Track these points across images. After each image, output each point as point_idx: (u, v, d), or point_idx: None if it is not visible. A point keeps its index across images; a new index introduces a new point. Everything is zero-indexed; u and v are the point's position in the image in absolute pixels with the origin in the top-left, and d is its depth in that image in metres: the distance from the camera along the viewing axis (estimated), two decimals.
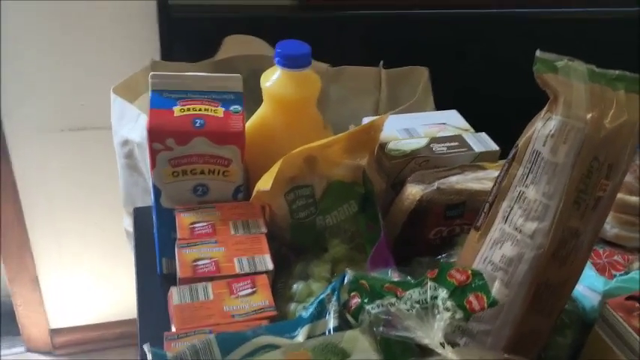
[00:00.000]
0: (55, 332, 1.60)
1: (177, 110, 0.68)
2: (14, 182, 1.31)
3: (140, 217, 0.88)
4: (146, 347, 0.50)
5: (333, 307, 0.55)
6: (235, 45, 1.10)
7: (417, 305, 0.52)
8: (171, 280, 0.77)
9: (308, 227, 0.70)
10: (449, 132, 0.81)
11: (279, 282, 0.68)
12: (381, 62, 1.08)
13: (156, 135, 0.66)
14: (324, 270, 0.67)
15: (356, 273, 0.56)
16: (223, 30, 1.12)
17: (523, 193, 0.55)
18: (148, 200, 0.97)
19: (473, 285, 0.50)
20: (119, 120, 0.93)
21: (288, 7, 1.19)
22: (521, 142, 0.56)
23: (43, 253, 1.45)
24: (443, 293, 0.51)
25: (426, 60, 1.12)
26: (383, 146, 0.77)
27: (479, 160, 0.77)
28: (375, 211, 0.70)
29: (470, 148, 0.77)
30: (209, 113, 0.68)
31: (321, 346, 0.49)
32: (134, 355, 1.69)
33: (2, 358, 1.63)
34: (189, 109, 0.68)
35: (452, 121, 0.84)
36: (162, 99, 0.68)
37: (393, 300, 0.53)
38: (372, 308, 0.54)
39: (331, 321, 0.55)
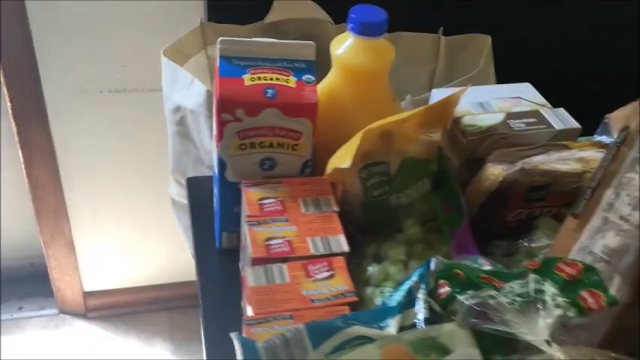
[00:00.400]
0: (88, 295, 1.59)
1: (247, 79, 0.63)
2: (52, 145, 1.28)
3: (193, 187, 0.85)
4: (233, 336, 0.47)
5: (422, 297, 0.52)
6: (286, 7, 1.05)
7: (519, 299, 0.49)
8: (229, 254, 0.75)
9: (381, 206, 0.66)
10: (524, 107, 0.77)
11: (352, 263, 0.64)
12: (441, 29, 1.03)
13: (226, 105, 0.62)
14: (400, 252, 0.63)
15: (447, 261, 0.53)
16: None
17: (632, 179, 0.51)
18: (199, 169, 0.94)
19: (586, 280, 0.47)
20: (171, 85, 0.89)
21: None
22: (632, 124, 0.51)
23: (79, 217, 1.43)
24: (552, 288, 0.47)
25: (480, 26, 1.07)
26: (457, 121, 0.72)
27: (558, 138, 0.72)
28: (451, 190, 0.67)
29: (549, 125, 0.72)
30: (281, 83, 0.64)
31: (418, 341, 0.46)
32: (165, 320, 1.69)
33: (35, 318, 1.63)
34: (259, 78, 0.64)
35: (526, 95, 0.79)
36: (231, 66, 0.64)
37: (493, 292, 0.49)
38: (466, 299, 0.51)
39: (421, 311, 0.51)
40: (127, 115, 1.28)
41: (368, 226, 0.67)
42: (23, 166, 1.31)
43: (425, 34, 1.03)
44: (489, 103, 0.77)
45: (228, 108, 0.62)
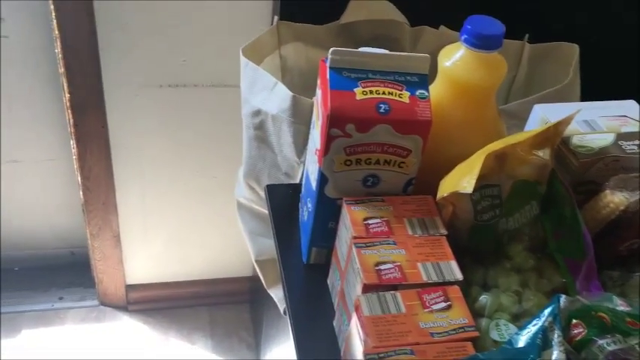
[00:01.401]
0: (130, 288, 1.58)
1: (359, 92, 0.60)
2: (107, 138, 1.25)
3: (274, 196, 0.81)
4: None
5: (557, 339, 0.49)
6: (362, 7, 1.01)
7: None
8: (316, 270, 0.72)
9: (489, 231, 0.63)
10: (632, 126, 0.73)
11: None
12: (527, 35, 0.98)
13: (337, 120, 0.59)
14: (513, 282, 0.60)
15: (588, 302, 0.49)
16: None
17: None
18: (275, 175, 0.91)
19: None
20: (250, 87, 0.85)
21: None
22: None
23: (128, 211, 1.41)
24: None
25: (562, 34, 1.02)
26: (566, 141, 0.68)
27: None
28: (564, 216, 0.63)
29: None
30: (394, 97, 0.60)
31: None
32: (205, 315, 1.67)
33: (75, 309, 1.61)
34: (372, 92, 0.60)
35: (632, 113, 0.75)
36: (342, 78, 0.60)
37: None
38: (607, 344, 0.48)
39: (557, 355, 0.48)
40: (184, 110, 1.24)
41: (471, 251, 0.64)
42: (76, 157, 1.28)
43: (509, 40, 0.98)
44: (596, 121, 0.73)
45: (339, 123, 0.59)
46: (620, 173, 0.65)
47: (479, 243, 0.63)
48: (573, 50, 0.95)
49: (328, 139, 0.60)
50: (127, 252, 1.49)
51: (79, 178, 1.32)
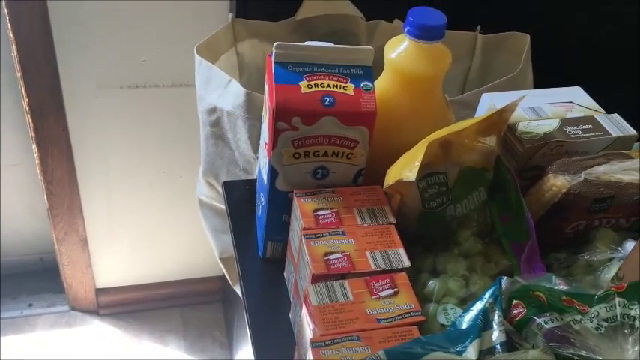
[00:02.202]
0: (100, 292, 1.57)
1: (304, 86, 0.61)
2: (69, 140, 1.24)
3: (230, 191, 0.82)
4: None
5: (497, 319, 0.50)
6: (316, 3, 1.01)
7: (605, 324, 0.47)
8: (273, 264, 0.73)
9: (437, 218, 0.64)
10: (578, 112, 0.74)
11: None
12: (479, 27, 1.00)
13: (282, 113, 0.59)
14: (460, 267, 0.61)
15: (524, 281, 0.51)
16: None
17: None
18: (233, 172, 0.91)
19: None
20: (205, 85, 0.86)
21: None
22: None
23: (93, 214, 1.40)
24: None
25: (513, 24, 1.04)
26: (512, 128, 0.70)
27: (615, 146, 0.70)
28: (510, 201, 0.64)
29: (606, 132, 0.70)
30: (339, 90, 0.61)
31: None
32: (177, 316, 1.67)
33: (45, 315, 1.60)
34: (317, 85, 0.61)
35: (578, 100, 0.76)
36: (286, 72, 0.61)
37: (577, 317, 0.47)
38: (545, 322, 0.49)
39: (498, 334, 0.49)
40: (146, 110, 1.24)
41: (420, 238, 0.65)
42: (38, 161, 1.27)
43: (461, 32, 1.00)
44: (542, 108, 0.74)
45: (285, 116, 0.59)
46: (564, 158, 0.67)
47: (428, 230, 0.64)
48: (525, 40, 0.97)
49: (275, 133, 0.61)
50: (95, 255, 1.49)
51: (43, 183, 1.31)
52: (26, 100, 1.17)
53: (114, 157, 1.30)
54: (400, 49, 0.66)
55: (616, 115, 0.74)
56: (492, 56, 1.02)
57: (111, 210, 1.40)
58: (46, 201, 1.34)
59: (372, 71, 0.63)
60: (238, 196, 0.82)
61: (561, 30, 1.11)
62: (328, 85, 0.61)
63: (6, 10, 1.06)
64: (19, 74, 1.14)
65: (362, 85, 0.62)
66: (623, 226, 0.68)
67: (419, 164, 0.57)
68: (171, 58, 1.18)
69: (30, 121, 1.21)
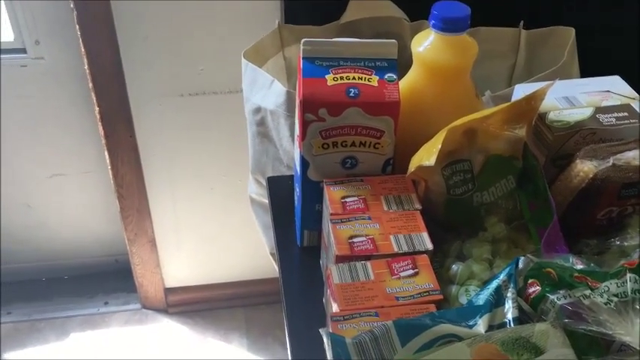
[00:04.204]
0: (169, 291, 1.65)
1: (329, 79, 0.64)
2: (136, 146, 1.33)
3: (273, 186, 0.86)
4: (323, 332, 0.48)
5: (511, 295, 0.51)
6: (361, 6, 1.05)
7: (615, 299, 0.47)
8: (311, 252, 0.76)
9: (464, 204, 0.66)
10: (614, 101, 0.74)
11: (435, 261, 0.64)
12: (522, 22, 1.00)
13: (309, 105, 0.63)
14: (485, 251, 0.62)
15: (538, 259, 0.51)
16: None
17: None
18: (279, 169, 0.96)
19: None
20: (251, 86, 0.91)
21: None
22: None
23: (161, 216, 1.48)
24: None
25: (563, 19, 1.03)
26: (543, 117, 0.70)
27: None
28: (539, 188, 0.65)
29: None
30: (363, 82, 0.64)
31: (510, 340, 0.45)
32: (241, 316, 1.73)
33: (119, 313, 1.70)
34: (342, 78, 0.64)
35: (616, 88, 0.76)
36: (314, 67, 0.65)
37: (587, 292, 0.48)
38: (558, 298, 0.50)
39: (510, 310, 0.50)
40: (205, 116, 1.31)
41: (450, 224, 0.67)
42: (110, 167, 1.37)
43: (504, 28, 1.01)
44: (576, 97, 0.74)
45: (312, 108, 0.63)
46: None
47: (455, 216, 0.66)
48: (569, 33, 0.97)
49: (304, 124, 0.64)
50: (163, 256, 1.57)
51: (114, 187, 1.41)
52: (97, 109, 1.26)
53: (177, 162, 1.38)
54: (426, 42, 0.68)
55: None
56: (538, 51, 1.01)
57: (176, 212, 1.48)
58: (118, 204, 1.44)
59: (396, 64, 0.66)
60: (281, 190, 0.86)
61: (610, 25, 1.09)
62: (353, 78, 0.64)
63: (77, 27, 1.16)
64: (90, 85, 1.24)
65: (386, 76, 0.65)
66: None
67: (437, 150, 0.59)
68: (227, 66, 1.24)
69: (101, 129, 1.30)
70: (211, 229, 1.54)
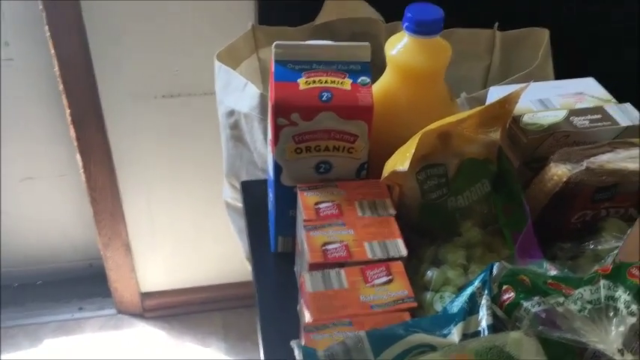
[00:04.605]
0: (145, 296, 1.63)
1: (302, 83, 0.63)
2: (109, 149, 1.31)
3: (247, 191, 0.85)
4: (294, 344, 0.47)
5: (485, 303, 0.51)
6: (336, 7, 1.04)
7: (589, 306, 0.47)
8: (285, 258, 0.75)
9: (439, 209, 0.65)
10: (588, 103, 0.74)
11: (409, 267, 0.63)
12: (496, 24, 1.00)
13: (281, 110, 0.62)
14: (460, 256, 0.62)
15: (511, 266, 0.51)
16: None
17: None
18: (253, 172, 0.94)
19: None
20: (224, 89, 0.89)
21: None
22: None
23: (135, 219, 1.46)
24: (625, 295, 0.45)
25: (539, 20, 1.03)
26: (517, 120, 0.70)
27: (624, 135, 0.69)
28: (513, 192, 0.65)
29: (614, 122, 0.69)
30: (336, 86, 0.63)
31: (484, 349, 0.45)
32: (218, 320, 1.71)
33: (93, 318, 1.67)
34: (314, 82, 0.63)
35: (590, 91, 0.76)
36: (286, 70, 0.64)
37: (561, 299, 0.47)
38: (532, 306, 0.49)
39: (485, 318, 0.50)
40: (180, 118, 1.29)
41: (425, 229, 0.66)
42: (82, 170, 1.34)
43: (479, 29, 1.00)
44: (550, 99, 0.74)
45: (284, 112, 0.62)
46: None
47: (430, 221, 0.65)
48: (544, 35, 0.97)
49: (276, 129, 0.63)
50: (138, 260, 1.55)
51: (87, 190, 1.38)
52: (68, 111, 1.24)
53: (152, 164, 1.36)
54: (400, 45, 0.68)
55: (628, 104, 0.73)
56: (512, 53, 1.01)
57: (151, 216, 1.46)
58: (91, 207, 1.41)
59: (369, 67, 0.65)
60: (256, 195, 0.85)
61: (584, 24, 1.10)
62: (326, 82, 0.63)
63: (47, 28, 1.13)
64: (60, 87, 1.21)
65: (359, 80, 0.64)
66: (633, 215, 0.67)
67: (410, 155, 0.58)
68: (202, 67, 1.22)
69: (73, 131, 1.28)
70: (187, 233, 1.52)
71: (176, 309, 1.66)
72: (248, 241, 0.77)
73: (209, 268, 1.61)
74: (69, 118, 1.26)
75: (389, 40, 0.69)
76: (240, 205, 1.04)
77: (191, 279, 1.63)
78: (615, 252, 0.61)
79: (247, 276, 1.66)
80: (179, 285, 1.63)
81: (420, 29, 0.65)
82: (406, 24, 0.66)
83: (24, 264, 1.67)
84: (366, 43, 0.64)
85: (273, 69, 0.64)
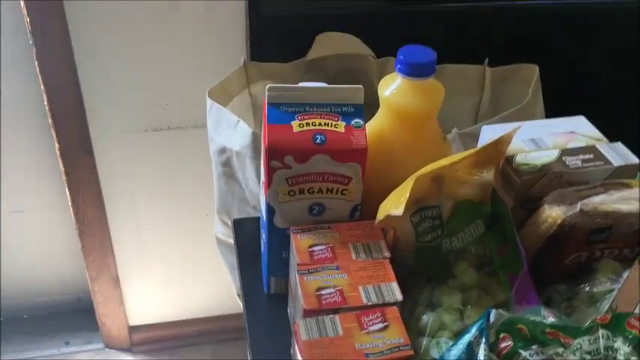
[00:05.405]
0: (133, 329, 1.60)
1: (295, 125, 0.63)
2: (98, 182, 1.30)
3: (239, 229, 0.84)
4: None
5: (482, 352, 0.50)
6: (327, 43, 1.04)
7: (588, 357, 0.46)
8: (278, 299, 0.74)
9: (433, 251, 0.65)
10: (580, 142, 0.74)
11: (404, 310, 0.62)
12: (486, 60, 1.01)
13: (275, 153, 0.61)
14: (455, 300, 0.61)
15: (509, 315, 0.50)
16: (313, 28, 1.07)
17: None
18: (245, 210, 0.94)
19: None
20: (216, 126, 0.89)
21: (382, 3, 1.13)
22: None
23: (124, 253, 1.44)
24: (624, 346, 0.44)
25: (527, 56, 1.04)
26: (510, 160, 0.70)
27: (617, 175, 0.69)
28: (507, 233, 0.64)
29: (607, 162, 0.70)
30: (330, 128, 0.63)
31: None
32: (208, 353, 1.69)
33: (81, 352, 1.64)
34: (308, 124, 0.63)
35: (581, 129, 0.76)
36: (279, 113, 0.63)
37: (560, 350, 0.47)
38: (530, 355, 0.49)
39: None
40: (170, 152, 1.29)
41: (419, 271, 0.65)
42: (70, 203, 1.33)
43: (469, 65, 1.01)
44: (542, 139, 0.74)
45: (277, 155, 0.62)
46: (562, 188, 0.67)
47: (425, 263, 0.65)
48: (533, 71, 0.97)
49: (270, 172, 0.63)
50: (127, 293, 1.52)
51: (75, 224, 1.36)
52: (57, 145, 1.23)
53: (141, 197, 1.35)
54: (393, 86, 0.68)
55: (619, 143, 0.73)
56: (503, 88, 1.02)
57: (140, 249, 1.44)
58: (79, 241, 1.40)
59: (363, 109, 0.65)
60: (247, 233, 0.84)
61: (573, 63, 1.11)
62: (319, 124, 0.63)
63: (36, 63, 1.13)
64: (50, 121, 1.20)
65: (353, 122, 0.63)
66: (628, 256, 0.66)
67: (405, 199, 0.58)
68: (193, 101, 1.22)
69: (62, 165, 1.26)
70: (176, 266, 1.50)
71: (165, 342, 1.64)
72: (240, 281, 0.76)
73: (198, 301, 1.59)
74: (58, 153, 1.25)
75: (382, 80, 0.69)
76: (231, 241, 1.03)
77: (180, 312, 1.61)
78: (611, 295, 0.61)
79: (237, 308, 1.65)
80: (168, 318, 1.61)
81: (414, 71, 0.65)
82: (399, 66, 0.66)
83: (10, 297, 1.64)
84: (359, 86, 0.64)
85: (266, 111, 0.63)
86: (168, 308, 1.59)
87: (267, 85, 0.63)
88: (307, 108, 0.64)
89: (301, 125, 0.63)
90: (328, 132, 0.62)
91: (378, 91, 0.69)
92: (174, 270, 1.51)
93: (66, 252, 1.58)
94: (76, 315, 1.69)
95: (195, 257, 1.48)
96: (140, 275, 1.49)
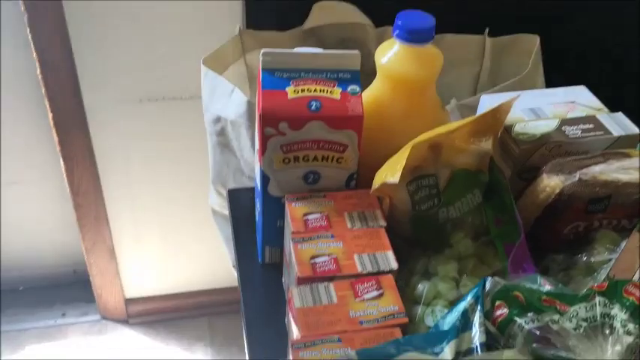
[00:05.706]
0: (129, 302, 1.60)
1: (290, 91, 0.61)
2: (92, 153, 1.28)
3: (234, 199, 0.83)
4: None
5: (478, 320, 0.49)
6: (325, 12, 1.02)
7: (585, 323, 0.46)
8: (273, 268, 0.73)
9: (430, 220, 0.64)
10: (580, 112, 0.73)
11: (400, 279, 0.62)
12: (487, 30, 0.99)
13: (269, 119, 0.60)
14: (451, 269, 0.61)
15: (505, 282, 0.50)
16: None
17: None
18: (240, 180, 0.93)
19: None
20: (210, 95, 0.88)
21: None
22: None
23: (119, 224, 1.44)
24: (621, 313, 0.44)
25: (528, 26, 1.03)
26: (508, 129, 0.69)
27: (617, 145, 0.68)
28: (505, 203, 0.63)
29: (607, 132, 0.69)
30: (325, 95, 0.61)
31: None
32: (205, 325, 1.69)
33: (78, 324, 1.65)
34: (303, 90, 0.61)
35: (582, 99, 0.75)
36: (274, 79, 0.62)
37: (556, 317, 0.46)
38: (526, 322, 0.48)
39: (478, 335, 0.49)
40: (165, 122, 1.27)
41: (416, 241, 0.65)
42: (65, 174, 1.32)
43: (469, 35, 1.00)
44: (542, 108, 0.73)
45: (272, 122, 0.60)
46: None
47: (421, 232, 0.64)
48: (534, 41, 0.96)
49: (264, 139, 0.62)
50: (123, 265, 1.52)
51: (70, 195, 1.36)
52: (51, 115, 1.21)
53: (137, 169, 1.34)
54: (390, 53, 0.66)
55: (620, 113, 0.72)
56: (503, 59, 1.01)
57: (136, 220, 1.43)
58: (74, 212, 1.39)
59: (359, 75, 0.63)
60: (243, 203, 0.83)
61: (575, 31, 1.09)
62: (315, 90, 0.62)
63: (29, 31, 1.11)
64: (43, 91, 1.19)
65: (349, 89, 0.62)
66: (626, 227, 0.66)
67: (401, 167, 0.57)
68: (189, 71, 1.20)
69: (56, 136, 1.25)
70: (172, 237, 1.50)
71: (161, 314, 1.64)
72: (235, 250, 0.76)
73: (194, 274, 1.59)
74: (51, 122, 1.23)
75: (379, 47, 0.68)
76: (226, 212, 1.02)
77: (176, 284, 1.61)
78: (608, 265, 0.60)
79: (233, 281, 1.64)
80: (164, 290, 1.61)
81: (412, 37, 0.64)
82: (397, 32, 0.65)
83: (6, 269, 1.64)
84: (356, 51, 0.63)
85: (260, 77, 0.62)
86: (165, 280, 1.59)
87: (262, 50, 0.62)
88: (302, 74, 0.63)
89: (296, 91, 0.61)
90: (323, 98, 0.61)
91: (375, 58, 0.68)
92: (170, 242, 1.50)
93: (62, 224, 1.57)
94: (72, 287, 1.69)
95: (191, 229, 1.47)
96: (136, 248, 1.49)
